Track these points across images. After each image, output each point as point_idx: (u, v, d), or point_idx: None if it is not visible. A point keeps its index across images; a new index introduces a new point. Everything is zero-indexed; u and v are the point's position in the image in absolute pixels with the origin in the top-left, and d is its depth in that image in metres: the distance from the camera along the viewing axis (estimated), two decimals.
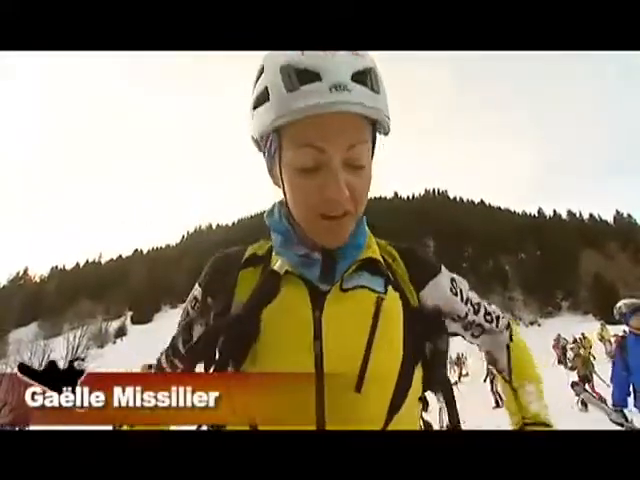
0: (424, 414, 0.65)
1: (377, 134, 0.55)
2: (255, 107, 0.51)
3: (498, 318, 0.75)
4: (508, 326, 0.78)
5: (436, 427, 0.73)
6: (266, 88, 0.49)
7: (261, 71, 0.51)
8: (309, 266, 0.58)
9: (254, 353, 0.53)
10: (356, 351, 0.51)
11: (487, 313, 0.73)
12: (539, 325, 52.77)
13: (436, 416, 1.49)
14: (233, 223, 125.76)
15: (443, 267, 0.69)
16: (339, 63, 0.47)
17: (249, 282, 0.59)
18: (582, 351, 9.62)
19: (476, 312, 0.71)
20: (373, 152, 0.55)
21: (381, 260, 0.62)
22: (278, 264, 0.57)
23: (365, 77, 0.48)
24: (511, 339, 0.77)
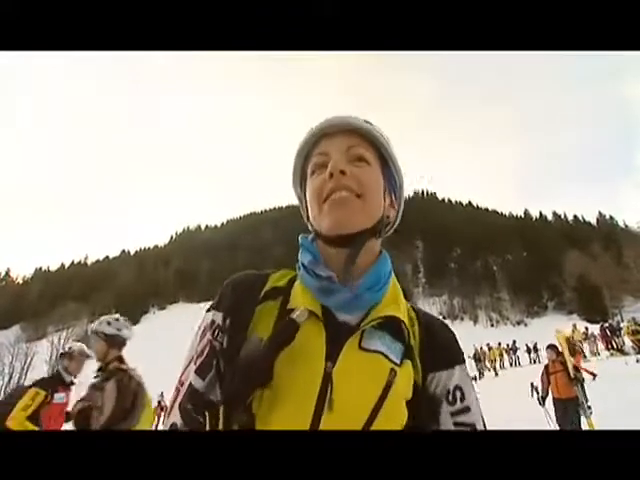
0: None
1: (388, 152, 0.65)
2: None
3: None
4: None
5: None
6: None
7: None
8: (329, 293, 0.58)
9: (262, 398, 0.52)
10: (359, 413, 0.51)
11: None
12: (525, 325, 53.61)
13: None
14: (222, 224, 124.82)
15: (459, 367, 0.62)
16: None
17: (267, 316, 0.59)
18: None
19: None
20: (388, 172, 0.66)
21: (405, 322, 0.60)
22: (298, 313, 0.55)
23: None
24: None
